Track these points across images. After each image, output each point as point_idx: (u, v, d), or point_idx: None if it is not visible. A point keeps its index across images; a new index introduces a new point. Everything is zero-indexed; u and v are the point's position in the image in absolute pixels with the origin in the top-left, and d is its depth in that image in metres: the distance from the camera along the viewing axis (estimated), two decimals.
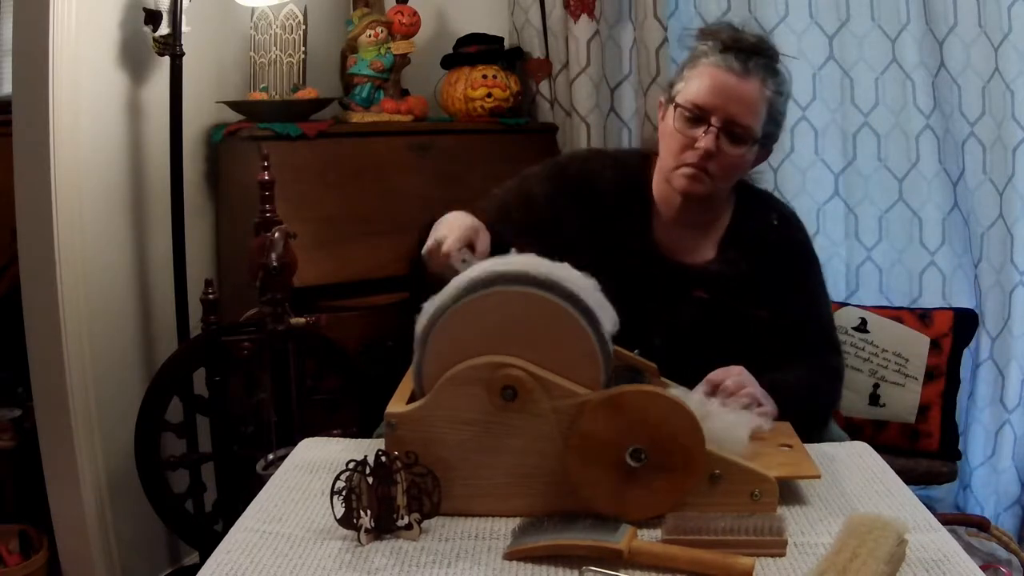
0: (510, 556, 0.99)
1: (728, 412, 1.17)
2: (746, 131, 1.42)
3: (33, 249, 1.99)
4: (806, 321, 1.52)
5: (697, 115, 1.42)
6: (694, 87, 1.43)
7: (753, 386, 1.29)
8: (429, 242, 1.33)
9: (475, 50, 2.62)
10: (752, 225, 1.55)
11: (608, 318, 1.10)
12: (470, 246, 1.33)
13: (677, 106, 1.44)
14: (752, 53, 1.42)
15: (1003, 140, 2.31)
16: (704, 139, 1.41)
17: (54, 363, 1.99)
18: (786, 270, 1.52)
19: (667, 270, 1.51)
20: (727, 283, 1.50)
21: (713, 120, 1.41)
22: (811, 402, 1.43)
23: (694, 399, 1.18)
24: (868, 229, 2.54)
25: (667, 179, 1.49)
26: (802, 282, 1.55)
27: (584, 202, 1.53)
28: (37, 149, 1.93)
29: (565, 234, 1.50)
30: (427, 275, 1.30)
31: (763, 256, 1.51)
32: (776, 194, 2.50)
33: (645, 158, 1.58)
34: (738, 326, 1.48)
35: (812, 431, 1.40)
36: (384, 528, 1.04)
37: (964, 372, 2.36)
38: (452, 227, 1.34)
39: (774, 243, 1.53)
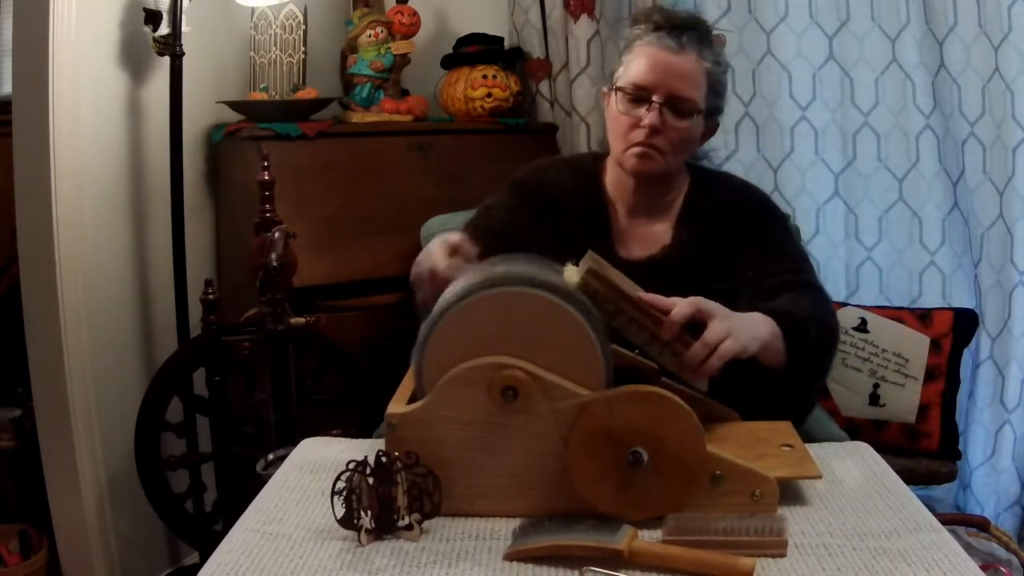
0: (511, 556, 0.99)
1: None
2: (688, 103, 1.44)
3: (33, 249, 1.99)
4: (781, 272, 1.43)
5: (639, 95, 1.44)
6: (633, 69, 1.46)
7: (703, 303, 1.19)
8: (422, 275, 1.27)
9: (475, 50, 2.62)
10: (706, 199, 1.53)
11: None
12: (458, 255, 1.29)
13: (619, 89, 1.47)
14: (684, 29, 1.45)
15: (1003, 140, 2.31)
16: (648, 116, 1.43)
17: (54, 363, 2.00)
18: (748, 229, 1.49)
19: (626, 269, 1.48)
20: (685, 265, 1.47)
21: (655, 97, 1.43)
22: (822, 327, 1.35)
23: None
24: (868, 229, 2.54)
25: (619, 162, 1.50)
26: (765, 235, 1.49)
27: (545, 214, 1.53)
28: (37, 149, 1.93)
29: (535, 251, 1.48)
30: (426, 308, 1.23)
31: (721, 223, 1.49)
32: (776, 194, 2.54)
33: (599, 158, 1.59)
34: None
35: (824, 361, 1.35)
36: (384, 528, 1.03)
37: (964, 372, 2.35)
38: (436, 254, 1.28)
39: (731, 207, 1.51)
